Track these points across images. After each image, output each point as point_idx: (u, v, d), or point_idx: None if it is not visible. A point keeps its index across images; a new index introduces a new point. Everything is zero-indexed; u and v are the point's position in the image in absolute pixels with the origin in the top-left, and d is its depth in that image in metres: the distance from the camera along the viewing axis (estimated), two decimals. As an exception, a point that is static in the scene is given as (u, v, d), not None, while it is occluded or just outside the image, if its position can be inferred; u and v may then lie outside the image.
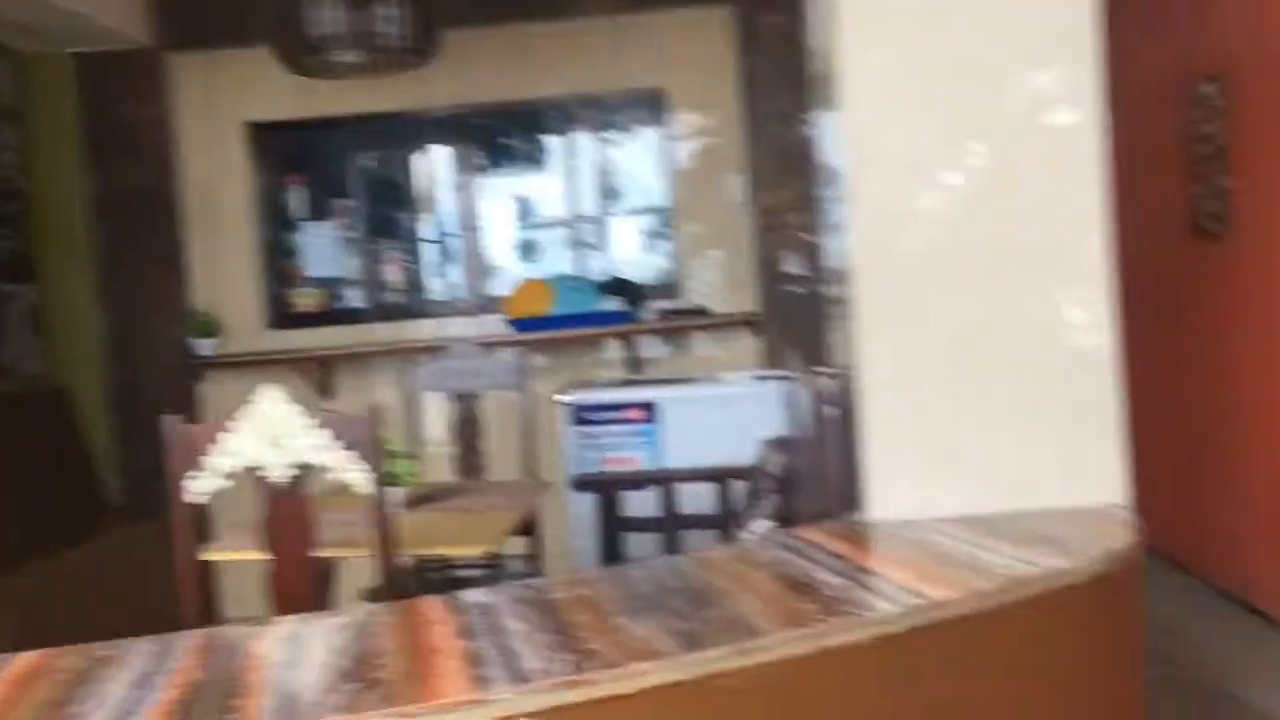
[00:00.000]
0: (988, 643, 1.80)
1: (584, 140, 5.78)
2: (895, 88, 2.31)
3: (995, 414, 2.31)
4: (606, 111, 5.72)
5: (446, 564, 3.78)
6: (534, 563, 3.88)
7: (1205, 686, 3.66)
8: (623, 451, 4.70)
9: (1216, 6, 4.29)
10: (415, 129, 5.79)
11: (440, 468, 4.11)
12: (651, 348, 5.58)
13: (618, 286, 5.47)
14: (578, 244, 5.80)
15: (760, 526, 2.76)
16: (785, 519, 2.72)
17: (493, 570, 3.63)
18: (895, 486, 2.31)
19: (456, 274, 5.82)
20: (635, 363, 5.56)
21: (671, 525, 4.00)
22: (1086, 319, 2.31)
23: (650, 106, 5.65)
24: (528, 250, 5.86)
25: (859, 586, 1.84)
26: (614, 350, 5.57)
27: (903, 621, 1.69)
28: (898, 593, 1.80)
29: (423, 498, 3.31)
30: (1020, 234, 2.31)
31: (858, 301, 2.32)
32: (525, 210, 5.88)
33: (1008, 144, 2.30)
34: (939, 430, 2.31)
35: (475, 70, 5.49)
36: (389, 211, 5.82)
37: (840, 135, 2.35)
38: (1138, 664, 2.16)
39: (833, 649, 1.61)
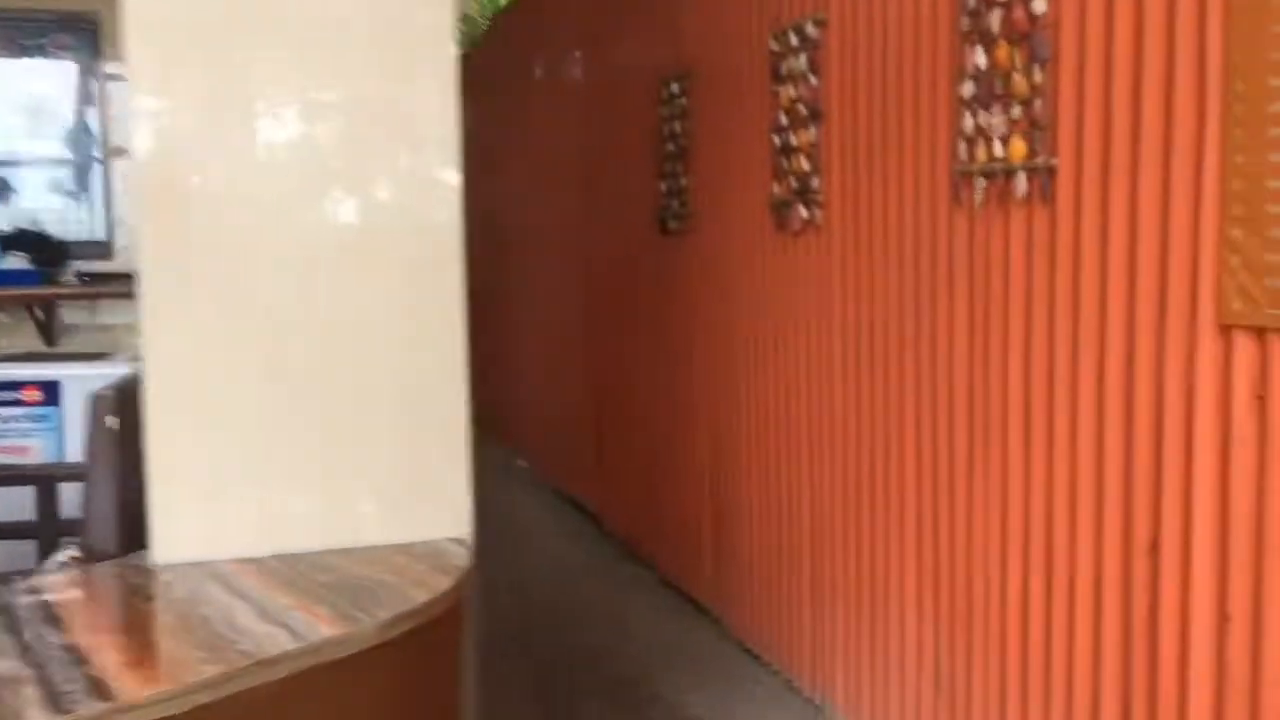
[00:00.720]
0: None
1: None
2: (190, 50, 1.88)
3: (312, 436, 1.94)
4: (24, 34, 4.82)
5: None
6: None
7: (638, 686, 3.59)
8: (12, 439, 3.97)
9: (682, 11, 4.26)
10: None
11: None
12: (77, 316, 4.78)
13: (29, 241, 4.62)
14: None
15: (60, 558, 2.22)
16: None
17: None
18: (185, 519, 1.88)
19: None
20: (51, 332, 4.73)
21: (49, 531, 3.34)
22: (430, 335, 1.99)
23: (80, 33, 4.82)
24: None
25: (34, 681, 1.37)
26: (25, 317, 4.72)
27: (47, 740, 1.24)
28: (79, 688, 1.35)
29: None
30: (350, 230, 1.95)
31: (144, 292, 1.86)
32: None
33: (332, 131, 1.94)
34: (241, 454, 1.90)
35: None
36: None
37: (127, 94, 1.88)
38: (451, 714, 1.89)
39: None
